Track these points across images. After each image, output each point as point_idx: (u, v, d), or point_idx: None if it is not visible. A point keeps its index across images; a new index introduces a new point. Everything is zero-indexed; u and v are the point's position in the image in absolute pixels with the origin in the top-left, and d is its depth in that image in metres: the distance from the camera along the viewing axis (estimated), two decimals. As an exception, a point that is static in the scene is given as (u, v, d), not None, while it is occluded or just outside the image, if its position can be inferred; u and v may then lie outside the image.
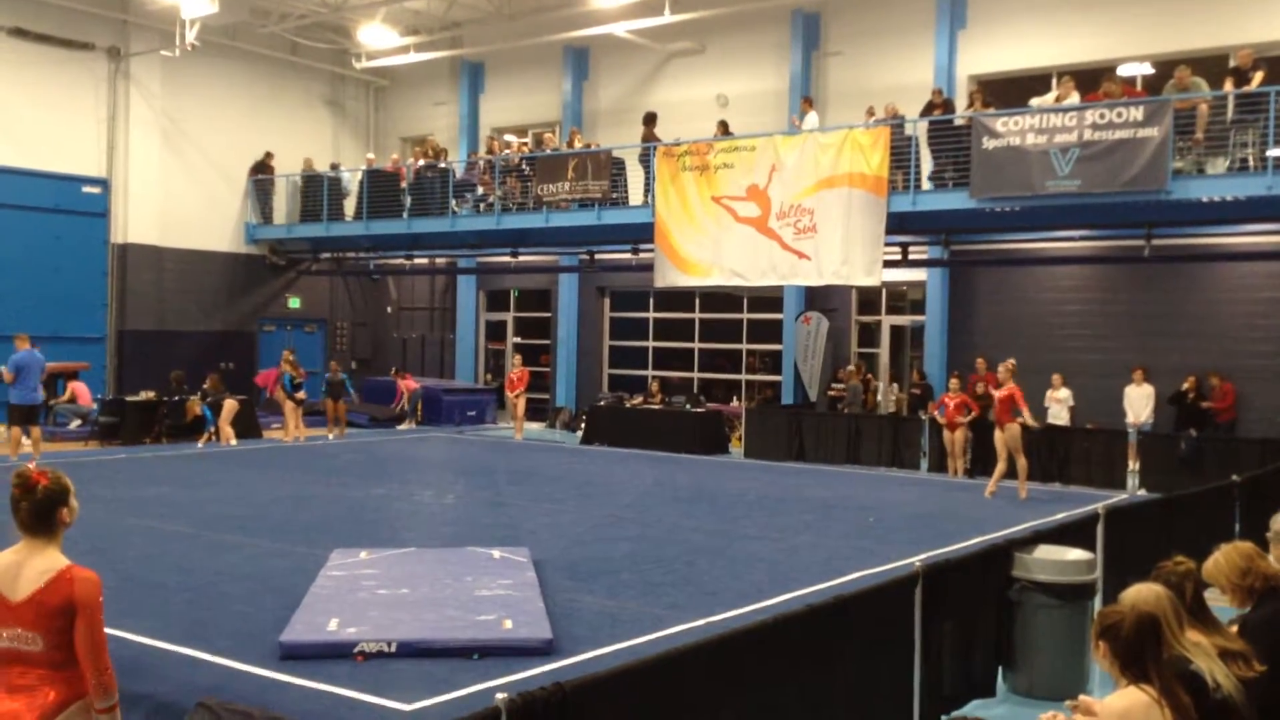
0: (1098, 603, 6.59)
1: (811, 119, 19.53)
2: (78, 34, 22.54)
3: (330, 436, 21.32)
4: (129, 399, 20.30)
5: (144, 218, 23.63)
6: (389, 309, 28.53)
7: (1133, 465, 16.29)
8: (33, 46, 21.88)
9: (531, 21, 23.66)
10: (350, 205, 24.81)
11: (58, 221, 22.22)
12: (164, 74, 23.60)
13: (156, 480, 15.07)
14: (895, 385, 20.87)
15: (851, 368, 20.80)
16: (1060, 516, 11.53)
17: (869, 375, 20.96)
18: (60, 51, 22.32)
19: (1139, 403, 17.61)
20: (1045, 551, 6.59)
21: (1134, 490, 15.55)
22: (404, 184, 23.64)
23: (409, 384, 24.33)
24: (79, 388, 21.20)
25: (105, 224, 23.21)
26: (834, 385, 20.84)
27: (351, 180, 24.90)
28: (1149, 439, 16.50)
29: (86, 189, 22.85)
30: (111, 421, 19.65)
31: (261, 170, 25.48)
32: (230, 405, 20.09)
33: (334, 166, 25.62)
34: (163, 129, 23.95)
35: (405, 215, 23.48)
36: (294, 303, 26.85)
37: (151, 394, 20.44)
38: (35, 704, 3.62)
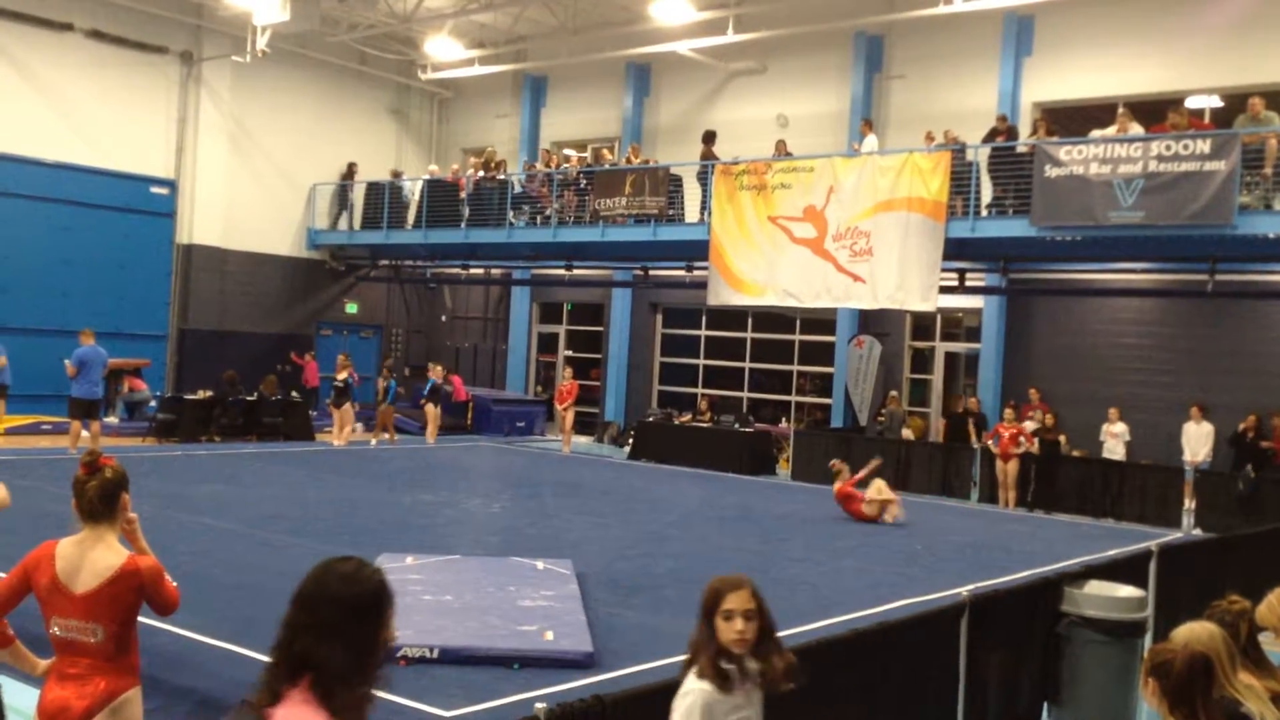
0: (1148, 641, 6.47)
1: (870, 142, 19.45)
2: (153, 38, 23.07)
3: (373, 442, 21.37)
4: (187, 397, 20.66)
5: (209, 220, 24.09)
6: (444, 318, 28.79)
7: (1188, 503, 15.97)
8: (109, 49, 22.42)
9: (595, 37, 23.83)
10: (410, 214, 25.14)
11: (125, 220, 22.71)
12: (234, 79, 24.07)
13: (211, 478, 15.31)
14: (905, 413, 20.50)
15: (894, 393, 20.62)
16: (1112, 553, 11.34)
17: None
18: (135, 54, 22.86)
19: (1197, 440, 17.27)
20: (1096, 587, 6.48)
21: (1189, 529, 15.25)
22: (463, 194, 23.89)
23: (452, 380, 23.94)
24: (136, 384, 21.63)
25: (171, 224, 23.68)
26: (880, 412, 20.68)
27: (413, 189, 25.21)
28: (1206, 477, 16.16)
29: (154, 189, 23.34)
30: (169, 419, 20.00)
31: (348, 179, 26.05)
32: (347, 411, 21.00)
33: (396, 175, 25.96)
34: (230, 133, 24.41)
35: (463, 225, 23.71)
36: (351, 308, 27.20)
37: (209, 392, 20.79)
38: (85, 693, 3.65)
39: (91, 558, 3.71)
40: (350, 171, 26.14)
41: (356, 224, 25.74)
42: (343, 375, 20.88)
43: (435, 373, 22.26)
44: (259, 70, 23.54)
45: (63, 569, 3.69)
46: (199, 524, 11.67)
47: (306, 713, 2.32)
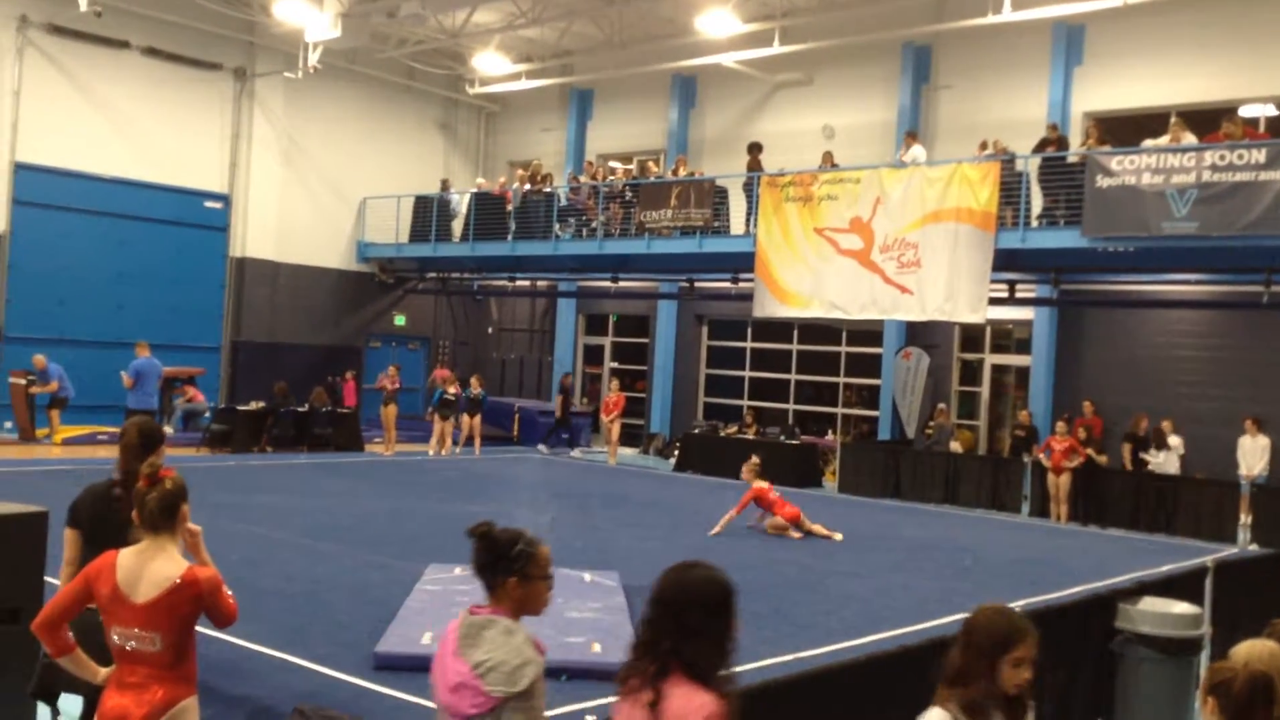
0: (1204, 659, 6.37)
1: (915, 153, 19.28)
2: (207, 55, 23.48)
3: (432, 453, 21.70)
4: (240, 408, 20.94)
5: (261, 233, 24.45)
6: (490, 329, 28.98)
7: (1244, 518, 15.69)
8: (164, 65, 22.85)
9: (641, 50, 23.91)
10: (457, 226, 25.34)
11: (180, 234, 23.11)
12: (286, 95, 24.44)
13: (264, 488, 15.51)
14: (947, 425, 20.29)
15: (942, 406, 20.43)
16: (1167, 568, 11.16)
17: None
18: (190, 71, 23.28)
19: (1252, 454, 16.96)
20: (1151, 604, 6.39)
21: (1245, 544, 14.98)
22: (509, 207, 24.05)
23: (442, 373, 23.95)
24: (196, 395, 21.95)
25: (225, 238, 24.06)
26: (929, 424, 20.49)
27: (460, 202, 25.42)
28: (1262, 492, 15.88)
29: (208, 204, 23.73)
30: (223, 429, 20.27)
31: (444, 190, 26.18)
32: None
33: (444, 188, 26.18)
34: (283, 148, 24.77)
35: (510, 238, 23.87)
36: (400, 320, 27.47)
37: (261, 404, 21.07)
38: (144, 700, 3.71)
39: (152, 568, 3.77)
40: (444, 185, 26.19)
41: (456, 234, 25.57)
42: (452, 390, 21.44)
43: (474, 384, 22.30)
44: (310, 86, 23.89)
45: (123, 578, 3.76)
46: (253, 533, 11.82)
47: (694, 690, 2.73)
